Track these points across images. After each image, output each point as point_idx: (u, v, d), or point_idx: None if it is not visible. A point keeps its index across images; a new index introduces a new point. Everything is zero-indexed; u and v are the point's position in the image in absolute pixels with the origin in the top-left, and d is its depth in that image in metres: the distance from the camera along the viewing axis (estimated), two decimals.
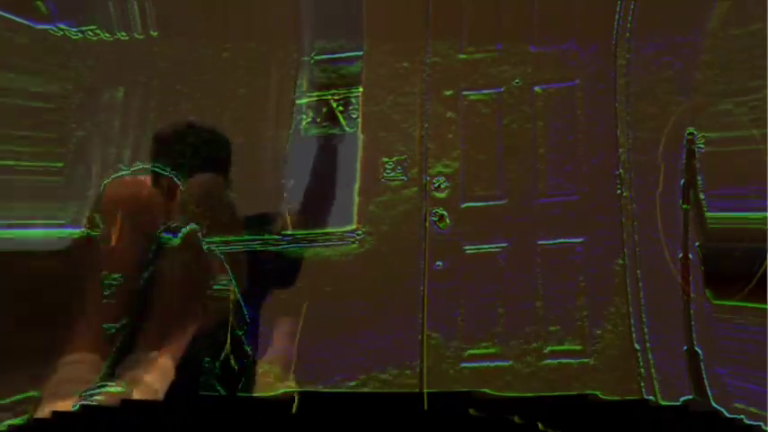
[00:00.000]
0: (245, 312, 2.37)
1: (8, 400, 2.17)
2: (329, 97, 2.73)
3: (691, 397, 2.24)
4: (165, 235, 2.31)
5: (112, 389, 2.14)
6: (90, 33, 2.70)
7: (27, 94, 2.57)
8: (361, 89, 2.66)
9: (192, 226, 2.34)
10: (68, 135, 2.67)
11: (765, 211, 2.13)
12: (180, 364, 2.25)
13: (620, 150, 2.46)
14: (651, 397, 2.28)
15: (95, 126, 2.69)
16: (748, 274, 2.15)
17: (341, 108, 2.72)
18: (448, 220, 2.52)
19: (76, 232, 2.38)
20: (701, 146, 2.35)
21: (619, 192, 2.44)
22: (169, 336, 2.26)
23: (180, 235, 2.32)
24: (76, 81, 2.71)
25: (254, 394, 2.36)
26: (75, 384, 2.15)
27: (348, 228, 2.55)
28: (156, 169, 2.43)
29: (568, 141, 2.51)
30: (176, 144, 2.46)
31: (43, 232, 2.40)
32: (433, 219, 2.52)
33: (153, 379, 2.21)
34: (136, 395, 2.15)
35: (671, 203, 2.36)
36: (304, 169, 2.64)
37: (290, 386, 2.38)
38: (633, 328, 2.35)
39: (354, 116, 2.69)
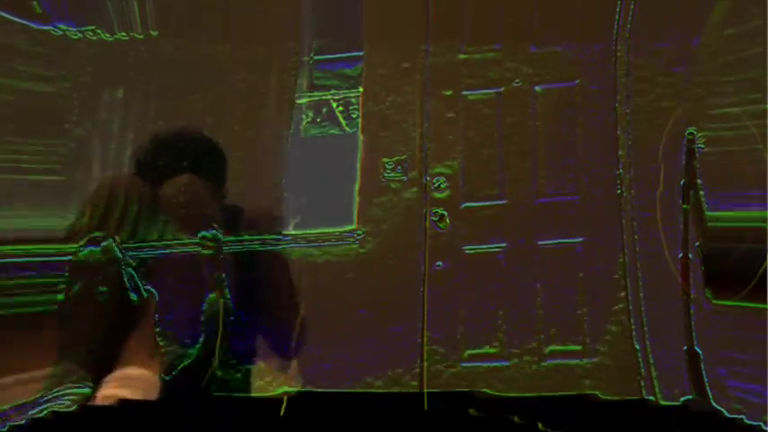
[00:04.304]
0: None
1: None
2: (329, 97, 2.73)
3: (691, 397, 2.24)
4: (87, 248, 2.27)
5: (79, 390, 2.14)
6: (90, 33, 2.70)
7: (27, 94, 2.57)
8: (361, 89, 2.66)
9: (110, 241, 2.30)
10: (68, 135, 2.67)
11: (765, 210, 2.13)
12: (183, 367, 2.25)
13: (620, 150, 2.46)
14: (651, 397, 2.28)
15: (95, 126, 2.69)
16: (748, 274, 2.15)
17: (341, 108, 2.72)
18: (448, 220, 2.52)
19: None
20: (701, 146, 2.35)
21: (619, 192, 2.44)
22: (145, 350, 2.26)
23: (100, 246, 2.29)
24: (76, 81, 2.71)
25: (254, 394, 2.36)
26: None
27: (348, 228, 2.55)
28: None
29: (568, 141, 2.51)
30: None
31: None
32: (433, 219, 2.52)
33: (130, 394, 2.21)
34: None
35: (671, 203, 2.36)
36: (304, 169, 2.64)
37: (289, 386, 2.37)
38: (633, 328, 2.35)
39: (354, 116, 2.69)
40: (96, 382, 2.18)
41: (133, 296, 2.27)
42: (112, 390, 2.19)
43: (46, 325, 2.23)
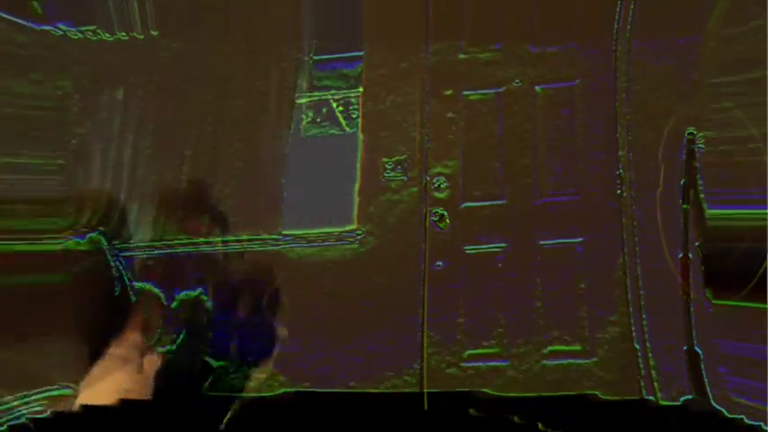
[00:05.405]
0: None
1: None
2: (329, 97, 2.73)
3: (691, 397, 2.24)
4: (72, 239, 2.32)
5: (57, 392, 2.16)
6: (90, 33, 2.70)
7: (27, 95, 2.57)
8: (361, 89, 2.67)
9: (94, 234, 2.37)
10: (68, 135, 2.67)
11: (765, 210, 2.13)
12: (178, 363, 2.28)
13: (620, 150, 2.46)
14: (651, 397, 2.28)
15: (95, 126, 2.69)
16: (748, 274, 2.15)
17: (341, 108, 2.72)
18: (448, 220, 2.52)
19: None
20: (701, 146, 2.35)
21: (619, 192, 2.44)
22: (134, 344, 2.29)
23: (86, 239, 2.34)
24: (76, 81, 2.71)
25: (252, 394, 2.36)
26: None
27: (348, 228, 2.55)
28: None
29: (568, 141, 2.51)
30: None
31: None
32: (433, 219, 2.52)
33: (123, 380, 2.23)
34: (108, 396, 2.18)
35: (671, 203, 2.36)
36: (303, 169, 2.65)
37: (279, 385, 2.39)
38: (633, 328, 2.35)
39: (354, 116, 2.69)
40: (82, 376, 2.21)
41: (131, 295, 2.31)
42: (94, 388, 2.21)
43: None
